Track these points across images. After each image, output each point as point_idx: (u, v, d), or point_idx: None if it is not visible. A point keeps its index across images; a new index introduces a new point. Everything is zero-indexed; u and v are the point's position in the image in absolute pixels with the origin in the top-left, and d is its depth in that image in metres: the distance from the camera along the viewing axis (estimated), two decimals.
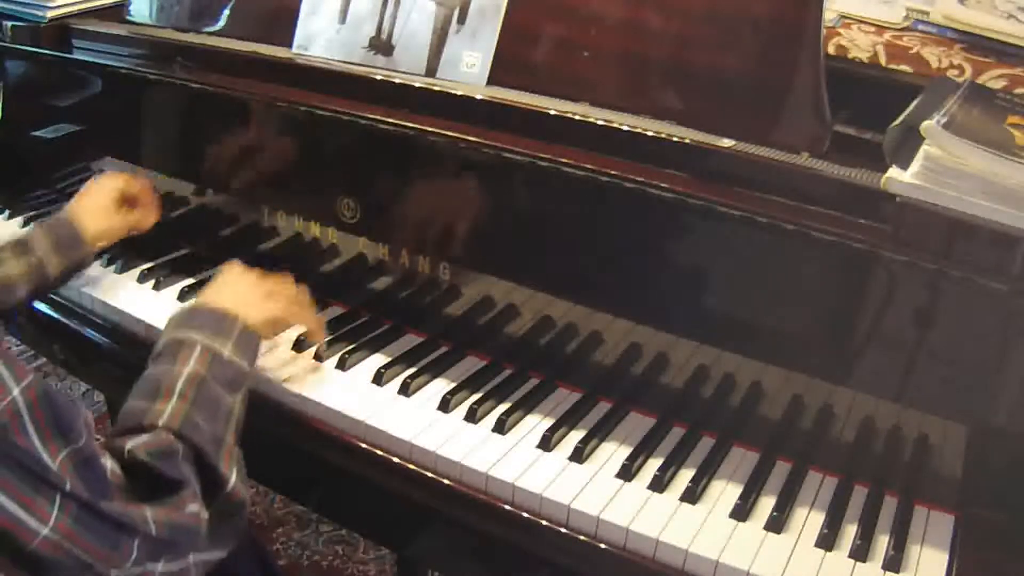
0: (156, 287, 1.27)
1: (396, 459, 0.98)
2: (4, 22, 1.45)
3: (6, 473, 0.66)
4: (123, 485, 0.76)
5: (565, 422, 1.01)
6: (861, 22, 1.25)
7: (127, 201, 1.25)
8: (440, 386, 1.07)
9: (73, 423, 0.70)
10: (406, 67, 1.16)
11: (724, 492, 0.93)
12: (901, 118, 0.93)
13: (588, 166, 0.99)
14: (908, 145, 0.89)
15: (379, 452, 0.99)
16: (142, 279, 1.28)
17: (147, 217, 1.27)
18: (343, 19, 1.21)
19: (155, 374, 0.89)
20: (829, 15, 1.22)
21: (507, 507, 0.93)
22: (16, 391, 0.67)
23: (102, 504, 0.72)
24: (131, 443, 0.79)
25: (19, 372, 0.67)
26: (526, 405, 1.04)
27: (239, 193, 1.28)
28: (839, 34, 1.20)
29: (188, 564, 0.80)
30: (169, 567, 0.78)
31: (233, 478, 0.84)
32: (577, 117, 1.02)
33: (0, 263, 1.11)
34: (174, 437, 0.81)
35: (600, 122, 1.01)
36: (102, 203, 1.22)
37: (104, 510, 0.72)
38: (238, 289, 1.03)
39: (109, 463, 0.75)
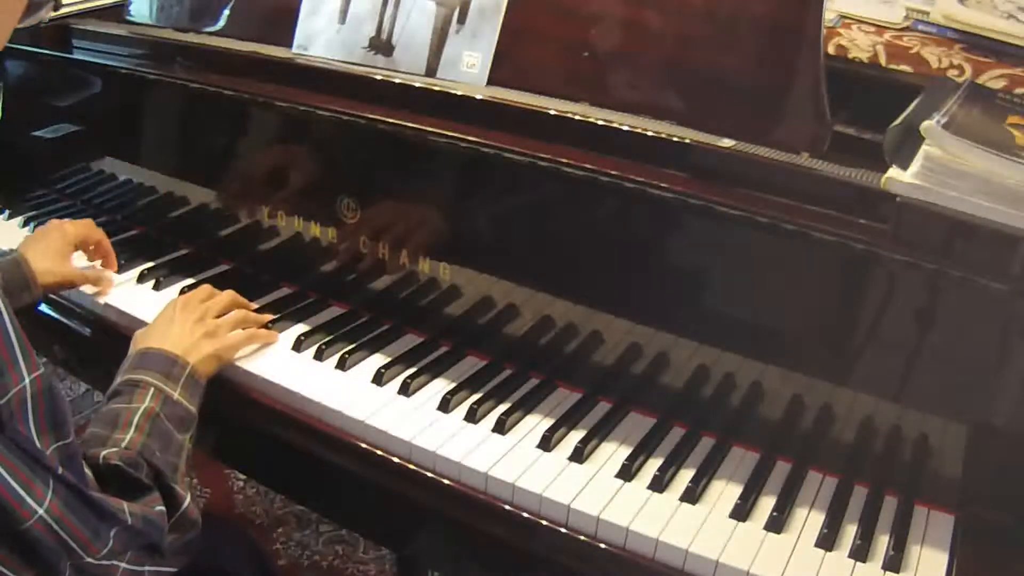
0: (156, 287, 1.27)
1: (396, 459, 0.98)
2: None
3: (9, 453, 0.70)
4: (96, 488, 0.80)
5: (565, 422, 1.01)
6: (861, 22, 1.25)
7: (84, 249, 1.27)
8: (440, 386, 1.07)
9: (66, 421, 0.75)
10: (406, 67, 1.16)
11: (724, 492, 0.93)
12: (901, 118, 0.93)
13: (588, 166, 0.99)
14: (908, 145, 0.89)
15: (379, 452, 0.99)
16: (142, 279, 1.28)
17: (105, 270, 1.27)
18: (343, 19, 1.21)
19: (113, 409, 0.94)
20: (829, 15, 1.22)
21: (507, 507, 0.93)
22: (27, 380, 0.71)
23: (86, 491, 0.76)
24: (104, 451, 0.86)
25: (33, 363, 0.72)
26: (526, 405, 1.04)
27: (239, 193, 1.28)
28: (839, 34, 1.20)
29: (144, 572, 0.85)
30: (131, 568, 0.83)
31: (188, 499, 0.90)
32: (577, 117, 1.02)
33: None
34: (137, 455, 0.88)
35: (600, 122, 1.01)
36: (58, 249, 1.21)
37: (90, 496, 0.77)
38: (181, 332, 1.06)
39: (86, 468, 0.80)
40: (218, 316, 1.12)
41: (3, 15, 0.74)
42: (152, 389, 0.96)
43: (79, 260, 1.28)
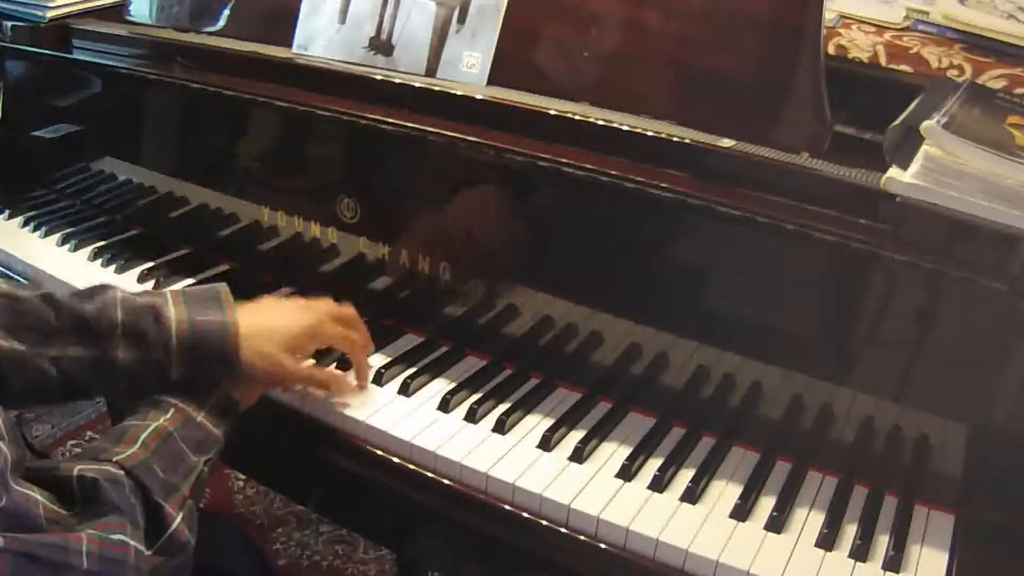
0: (156, 287, 1.26)
1: (396, 459, 0.98)
2: (4, 22, 1.45)
3: None
4: (55, 517, 0.75)
5: (565, 422, 1.01)
6: (861, 22, 1.25)
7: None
8: (440, 386, 1.07)
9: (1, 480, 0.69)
10: (406, 67, 1.16)
11: (724, 492, 0.93)
12: (901, 118, 0.93)
13: (588, 166, 0.99)
14: (908, 145, 0.89)
15: (379, 452, 0.99)
16: (142, 279, 1.28)
17: (347, 383, 1.06)
18: (343, 19, 1.21)
19: (123, 426, 0.87)
20: (829, 15, 1.22)
21: (507, 507, 0.93)
22: None
23: (37, 542, 0.71)
24: (80, 466, 0.79)
25: None
26: (526, 405, 1.04)
27: (239, 193, 1.28)
28: (839, 34, 1.20)
29: None
30: None
31: (178, 520, 0.82)
32: (577, 117, 1.02)
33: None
34: (123, 472, 0.80)
35: (600, 122, 1.01)
36: (292, 343, 0.98)
37: (37, 552, 0.70)
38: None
39: (41, 499, 0.74)
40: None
41: None
42: (172, 409, 0.89)
43: None
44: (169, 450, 0.85)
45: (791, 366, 0.95)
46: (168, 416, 0.88)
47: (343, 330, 1.03)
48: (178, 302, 0.92)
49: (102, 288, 0.94)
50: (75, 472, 0.78)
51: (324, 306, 1.03)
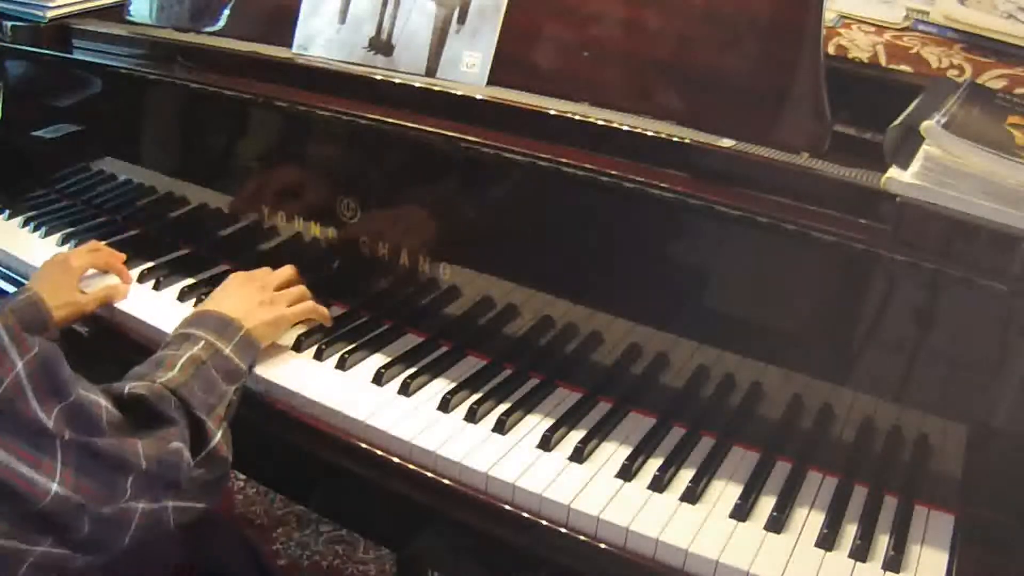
0: (156, 287, 1.26)
1: (396, 459, 0.98)
2: (4, 22, 1.45)
3: (13, 439, 0.71)
4: (116, 422, 0.82)
5: (565, 422, 1.01)
6: (861, 22, 1.25)
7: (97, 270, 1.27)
8: (440, 386, 1.07)
9: (65, 383, 0.75)
10: (406, 67, 1.16)
11: (724, 492, 0.93)
12: (901, 118, 0.93)
13: (588, 166, 0.99)
14: (908, 145, 0.89)
15: (379, 452, 0.99)
16: (142, 279, 1.28)
17: (119, 288, 1.25)
18: (343, 19, 1.21)
19: (161, 355, 0.96)
20: (829, 15, 1.22)
21: (507, 507, 0.93)
22: (20, 365, 0.71)
23: (98, 442, 0.77)
24: (130, 385, 0.87)
25: (24, 346, 0.72)
26: (526, 405, 1.04)
27: (239, 193, 1.28)
28: (839, 34, 1.20)
29: (166, 506, 0.85)
30: (150, 505, 0.83)
31: (218, 436, 0.91)
32: (577, 117, 1.02)
33: None
34: (168, 391, 0.89)
35: (600, 122, 1.01)
36: (66, 283, 1.20)
37: (100, 449, 0.77)
38: (239, 300, 1.09)
39: (104, 403, 0.81)
40: (277, 289, 1.14)
41: None
42: (204, 342, 0.98)
43: (91, 282, 1.26)
44: (204, 376, 0.94)
45: (791, 366, 0.95)
46: (200, 347, 0.98)
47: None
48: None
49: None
50: (126, 390, 0.86)
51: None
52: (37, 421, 0.72)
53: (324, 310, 1.17)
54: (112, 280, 1.27)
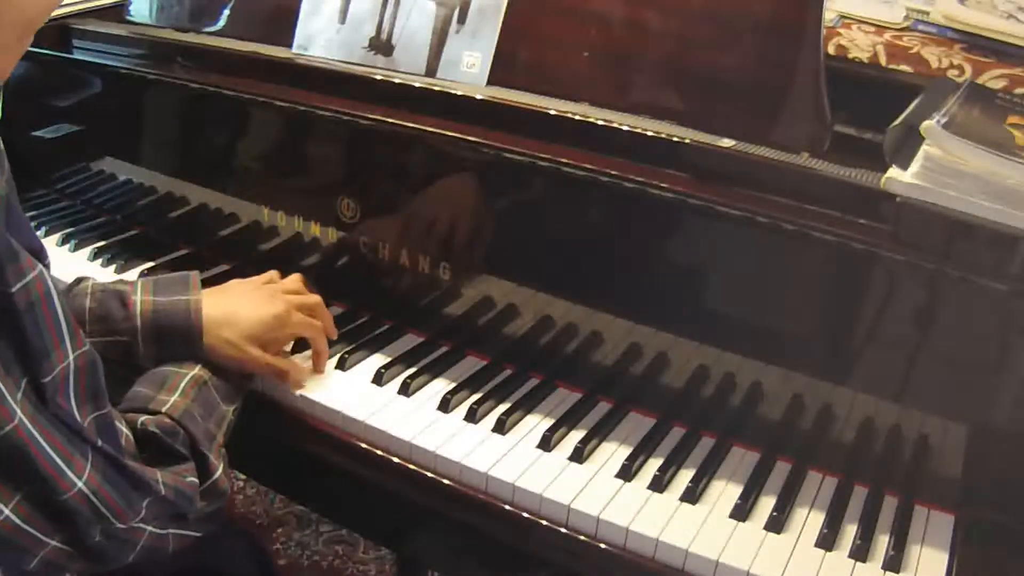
0: None
1: (396, 459, 0.98)
2: None
3: (54, 431, 0.72)
4: (134, 452, 0.83)
5: (565, 422, 1.01)
6: (861, 22, 1.25)
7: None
8: (440, 386, 1.07)
9: (103, 392, 0.77)
10: (406, 67, 1.16)
11: (724, 492, 0.93)
12: (901, 118, 0.93)
13: (588, 166, 0.99)
14: (908, 145, 0.89)
15: (379, 452, 0.99)
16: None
17: (300, 376, 1.06)
18: (343, 19, 1.21)
19: (162, 371, 0.95)
20: (829, 15, 1.22)
21: (507, 507, 0.93)
22: (71, 357, 0.73)
23: (123, 460, 0.78)
24: (141, 420, 0.86)
25: (79, 340, 0.74)
26: (526, 405, 1.04)
27: (239, 193, 1.28)
28: (839, 34, 1.20)
29: (169, 535, 0.87)
30: (156, 531, 0.84)
31: (220, 470, 0.91)
32: (577, 117, 1.02)
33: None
34: (175, 423, 0.88)
35: (600, 122, 1.01)
36: (270, 333, 1.02)
37: (125, 465, 0.78)
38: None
39: (124, 429, 0.82)
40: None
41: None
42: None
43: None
44: (205, 399, 0.94)
45: (791, 366, 0.95)
46: (200, 366, 0.96)
47: (308, 319, 1.06)
48: (147, 287, 0.98)
49: (77, 280, 1.02)
50: (138, 424, 0.86)
51: (291, 296, 1.06)
52: (74, 420, 0.74)
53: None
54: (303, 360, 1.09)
